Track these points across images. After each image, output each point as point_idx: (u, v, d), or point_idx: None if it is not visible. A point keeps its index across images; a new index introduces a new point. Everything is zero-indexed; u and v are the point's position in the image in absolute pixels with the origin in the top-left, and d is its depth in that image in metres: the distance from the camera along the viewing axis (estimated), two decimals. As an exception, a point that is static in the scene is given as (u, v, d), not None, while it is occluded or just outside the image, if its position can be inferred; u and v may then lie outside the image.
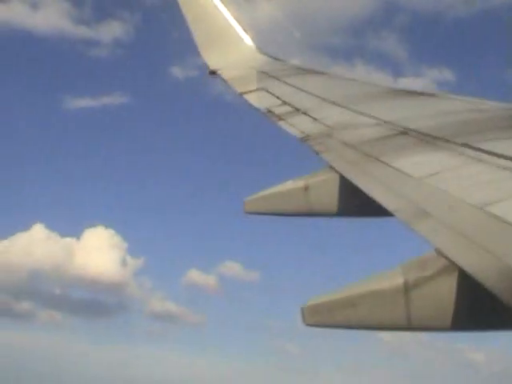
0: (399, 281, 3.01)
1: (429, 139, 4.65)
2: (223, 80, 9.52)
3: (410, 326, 3.04)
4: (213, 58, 10.34)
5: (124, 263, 37.82)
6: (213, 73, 10.01)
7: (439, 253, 2.97)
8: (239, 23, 10.97)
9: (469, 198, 3.36)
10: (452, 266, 2.89)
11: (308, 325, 3.13)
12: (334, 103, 6.59)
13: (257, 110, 7.27)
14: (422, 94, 6.78)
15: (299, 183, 4.80)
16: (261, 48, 10.72)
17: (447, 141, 4.47)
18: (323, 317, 3.10)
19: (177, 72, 29.01)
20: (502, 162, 3.79)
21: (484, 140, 4.33)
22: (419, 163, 4.20)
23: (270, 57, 10.37)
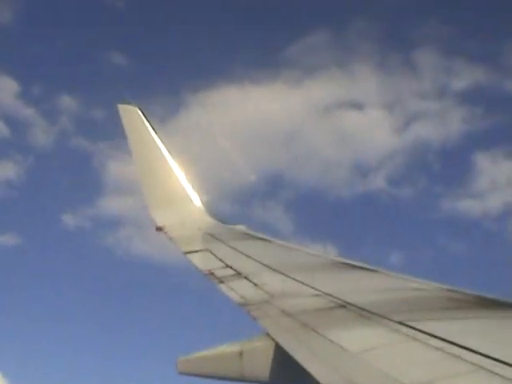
0: None
1: (366, 314, 4.69)
2: (169, 238, 9.58)
3: None
4: (160, 215, 10.45)
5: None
6: (159, 229, 10.08)
7: None
8: (190, 183, 11.20)
9: (402, 377, 3.36)
10: None
11: None
12: (275, 270, 6.65)
13: (199, 271, 7.29)
14: (363, 268, 6.89)
15: (235, 347, 4.75)
16: (210, 210, 10.90)
17: (384, 317, 4.52)
18: None
19: (68, 220, 29.22)
20: (436, 342, 3.83)
21: (420, 319, 4.39)
22: (355, 337, 4.22)
23: (218, 219, 10.53)
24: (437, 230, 27.64)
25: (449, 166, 29.13)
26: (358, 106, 29.45)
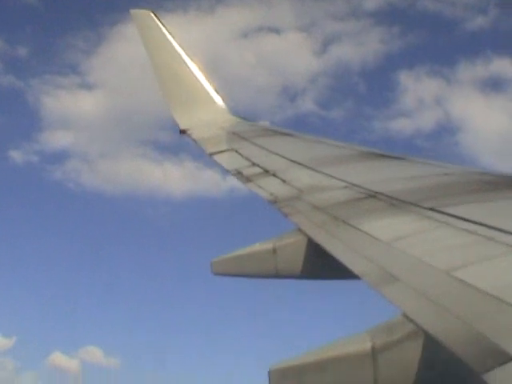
0: (366, 345, 2.99)
1: (397, 203, 4.68)
2: (193, 140, 9.56)
3: None
4: (183, 118, 10.38)
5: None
6: (183, 132, 10.05)
7: (406, 317, 2.96)
8: (211, 84, 11.08)
9: (436, 262, 3.37)
10: (419, 330, 2.88)
11: None
12: (303, 165, 6.63)
13: (226, 170, 7.30)
14: (390, 157, 6.85)
15: (267, 245, 4.78)
16: (232, 109, 10.83)
17: (415, 205, 4.51)
18: (290, 381, 3.06)
19: (16, 155, 29.56)
20: (469, 226, 3.82)
21: (451, 204, 4.37)
22: (387, 227, 4.22)
23: (241, 118, 10.46)
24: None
25: (373, 86, 28.93)
26: (274, 30, 29.43)
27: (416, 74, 28.93)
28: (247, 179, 6.52)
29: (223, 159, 7.85)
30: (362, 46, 29.23)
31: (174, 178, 28.48)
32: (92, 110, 29.69)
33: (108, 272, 26.54)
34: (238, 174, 6.84)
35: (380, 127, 26.50)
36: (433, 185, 5.22)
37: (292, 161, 6.93)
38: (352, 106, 27.36)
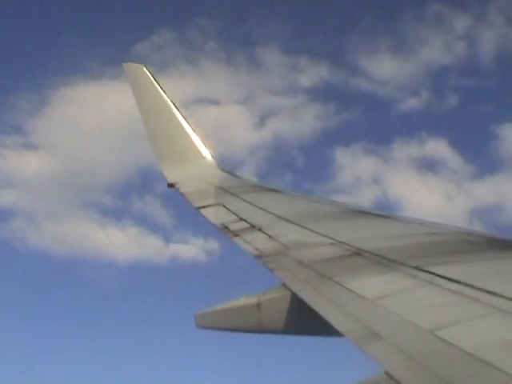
0: None
1: (382, 261, 4.70)
2: (181, 193, 9.59)
3: None
4: (171, 171, 10.43)
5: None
6: (171, 186, 10.08)
7: (389, 376, 2.95)
8: (200, 138, 11.17)
9: (420, 321, 3.37)
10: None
11: None
12: (289, 221, 6.66)
13: (213, 225, 7.31)
14: (376, 214, 6.90)
15: (252, 300, 4.78)
16: (220, 164, 10.90)
17: (400, 263, 4.52)
18: None
19: None
20: (454, 285, 3.83)
21: (436, 263, 4.39)
22: (372, 284, 4.23)
23: (229, 173, 10.52)
24: None
25: (311, 161, 29.62)
26: (214, 101, 30.23)
27: (352, 151, 29.80)
28: (233, 234, 6.53)
29: (210, 213, 7.86)
30: (299, 121, 30.07)
31: (118, 243, 28.79)
32: (36, 171, 30.18)
33: (51, 329, 26.30)
34: (225, 228, 6.85)
35: None
36: (418, 243, 5.25)
37: (278, 216, 6.95)
38: (291, 179, 28.02)
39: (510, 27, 32.21)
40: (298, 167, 28.37)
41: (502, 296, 3.50)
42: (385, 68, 31.26)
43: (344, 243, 5.38)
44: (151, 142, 11.07)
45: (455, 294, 3.70)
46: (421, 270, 4.27)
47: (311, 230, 6.07)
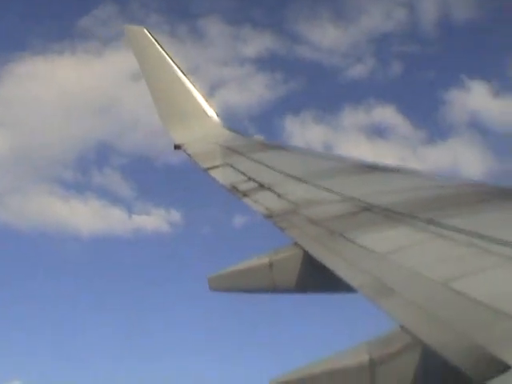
0: (364, 358, 3.00)
1: (392, 215, 4.70)
2: (188, 155, 9.57)
3: None
4: (178, 133, 10.39)
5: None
6: (178, 147, 10.05)
7: (404, 329, 2.98)
8: (205, 98, 11.11)
9: (432, 274, 3.39)
10: (416, 342, 2.89)
11: None
12: (298, 179, 6.65)
13: (221, 186, 7.31)
14: (385, 169, 6.88)
15: (264, 260, 4.80)
16: (226, 123, 10.85)
17: (410, 217, 4.53)
18: None
19: None
20: (464, 237, 3.84)
21: (446, 216, 4.40)
22: (383, 239, 4.24)
23: (235, 132, 10.47)
24: None
25: (262, 130, 29.46)
26: None
27: (301, 119, 29.74)
28: (243, 194, 6.53)
29: (218, 174, 7.85)
30: (248, 91, 30.07)
31: (81, 216, 29.01)
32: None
33: (16, 303, 26.53)
34: (234, 188, 6.85)
35: None
36: (428, 197, 5.25)
37: (287, 175, 6.94)
38: None
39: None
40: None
41: (512, 246, 3.52)
42: (328, 36, 31.48)
43: (354, 199, 5.38)
44: (156, 104, 11.01)
45: (467, 245, 3.71)
46: (431, 222, 4.27)
47: (321, 187, 6.07)
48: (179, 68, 11.28)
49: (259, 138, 10.38)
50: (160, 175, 29.34)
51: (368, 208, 5.03)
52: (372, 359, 2.98)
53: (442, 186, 5.61)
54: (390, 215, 4.71)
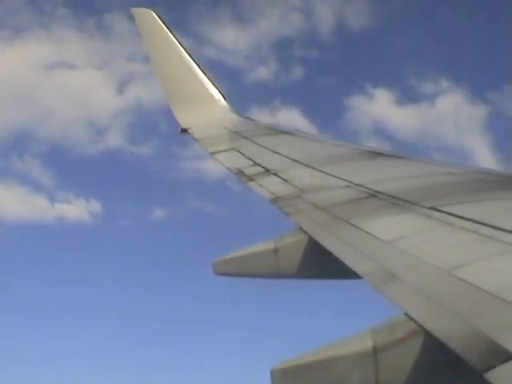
0: (368, 344, 3.01)
1: (398, 202, 4.70)
2: (194, 139, 9.56)
3: None
4: (184, 117, 10.38)
5: None
6: (184, 131, 10.04)
7: (408, 316, 2.98)
8: (212, 82, 11.09)
9: (437, 261, 3.39)
10: (420, 329, 2.90)
11: None
12: (304, 164, 6.65)
13: (228, 169, 7.31)
14: (391, 156, 6.87)
15: (269, 245, 4.80)
16: (233, 107, 10.83)
17: (416, 204, 4.53)
18: (293, 381, 3.08)
19: None
20: (469, 224, 3.84)
21: (452, 203, 4.39)
22: (388, 226, 4.24)
23: (242, 116, 10.46)
24: (187, 187, 28.28)
25: (173, 127, 29.42)
26: (74, 66, 31.05)
27: None
28: (248, 178, 6.54)
29: (224, 158, 7.86)
30: (156, 87, 30.16)
31: (4, 202, 29.11)
32: None
33: None
34: (240, 173, 6.86)
35: (189, 167, 27.60)
36: (433, 184, 5.24)
37: (293, 160, 6.94)
38: (159, 144, 28.41)
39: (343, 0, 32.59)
40: (163, 132, 28.95)
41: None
42: (230, 38, 31.24)
43: (359, 185, 5.38)
44: (163, 87, 11.01)
45: (471, 232, 3.71)
46: (436, 210, 4.27)
47: (326, 173, 6.07)
48: (187, 52, 11.26)
49: (266, 123, 10.36)
50: (79, 165, 29.77)
51: (373, 194, 5.03)
52: (376, 346, 2.99)
53: (448, 172, 5.60)
54: (396, 202, 4.71)
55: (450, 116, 29.82)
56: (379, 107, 29.36)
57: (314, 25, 31.88)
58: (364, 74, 31.79)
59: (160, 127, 29.30)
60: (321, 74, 33.09)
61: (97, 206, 28.02)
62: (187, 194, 28.95)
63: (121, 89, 29.86)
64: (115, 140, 29.42)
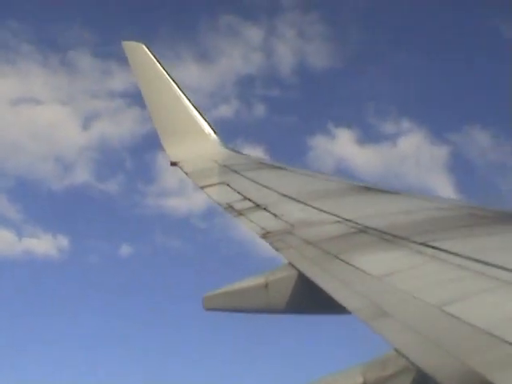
0: (359, 380, 3.00)
1: (388, 237, 4.71)
2: (184, 172, 9.56)
3: None
4: (174, 150, 10.38)
5: None
6: (174, 164, 10.05)
7: (399, 353, 2.97)
8: (203, 116, 11.13)
9: (427, 297, 3.39)
10: (411, 366, 2.89)
11: None
12: (294, 199, 6.65)
13: (217, 204, 7.30)
14: (381, 191, 6.89)
15: (260, 280, 4.80)
16: (224, 141, 10.86)
17: (406, 239, 4.54)
18: None
19: None
20: (460, 260, 3.85)
21: (442, 239, 4.40)
22: (378, 261, 4.24)
23: (233, 150, 10.48)
24: (152, 223, 28.52)
25: (139, 164, 29.98)
26: (40, 101, 31.78)
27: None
28: (238, 213, 6.53)
29: (214, 193, 7.85)
30: (121, 124, 30.62)
31: None
32: None
33: None
34: (230, 207, 6.85)
35: (154, 204, 27.97)
36: (423, 219, 5.26)
37: (283, 195, 6.95)
38: (124, 180, 28.75)
39: (302, 40, 32.84)
40: (128, 169, 29.14)
41: (508, 269, 3.52)
42: (192, 75, 31.52)
43: (350, 220, 5.39)
44: (154, 120, 11.03)
45: (462, 268, 3.71)
46: (427, 245, 4.28)
47: (317, 208, 6.07)
48: (177, 85, 11.30)
49: (257, 156, 10.39)
50: (46, 199, 29.87)
51: (364, 230, 5.04)
52: (366, 382, 2.98)
53: (438, 208, 5.62)
54: (386, 237, 4.72)
55: (412, 156, 30.16)
56: (341, 146, 29.64)
57: (275, 64, 32.37)
58: (326, 113, 32.22)
59: (125, 163, 29.68)
60: (283, 113, 33.34)
61: (64, 241, 27.96)
62: (153, 230, 28.88)
63: (86, 125, 30.17)
64: (81, 175, 29.68)
